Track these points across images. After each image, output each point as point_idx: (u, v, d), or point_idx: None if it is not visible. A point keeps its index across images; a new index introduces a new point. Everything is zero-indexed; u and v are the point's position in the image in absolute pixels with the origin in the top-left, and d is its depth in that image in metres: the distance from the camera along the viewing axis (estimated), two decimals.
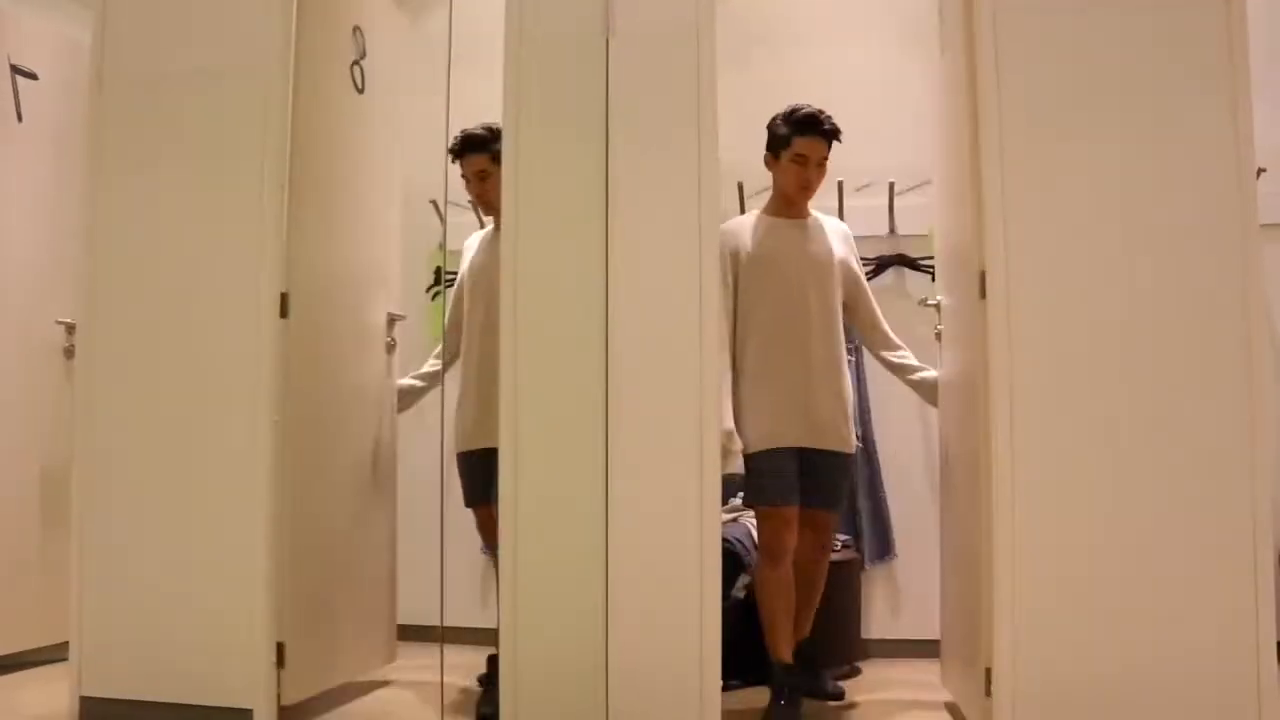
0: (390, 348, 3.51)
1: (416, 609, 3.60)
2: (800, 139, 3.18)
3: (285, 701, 2.93)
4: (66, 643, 3.05)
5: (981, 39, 2.69)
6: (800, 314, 3.15)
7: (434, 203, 4.14)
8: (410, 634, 3.61)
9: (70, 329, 3.71)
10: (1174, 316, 2.59)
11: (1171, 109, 2.63)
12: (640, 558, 2.74)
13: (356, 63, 3.33)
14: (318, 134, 3.15)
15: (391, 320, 3.52)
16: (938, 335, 3.24)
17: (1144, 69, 2.65)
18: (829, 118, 3.19)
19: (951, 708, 3.15)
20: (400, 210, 3.63)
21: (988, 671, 2.61)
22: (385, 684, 3.50)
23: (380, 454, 3.45)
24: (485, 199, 3.37)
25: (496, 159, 3.14)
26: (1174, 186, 2.61)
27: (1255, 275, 2.57)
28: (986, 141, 2.67)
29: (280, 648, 2.91)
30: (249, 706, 2.87)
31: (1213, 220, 2.59)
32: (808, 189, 3.23)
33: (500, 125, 2.95)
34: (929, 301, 3.34)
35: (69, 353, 3.72)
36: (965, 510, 2.93)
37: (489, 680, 3.17)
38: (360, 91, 3.35)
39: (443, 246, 4.18)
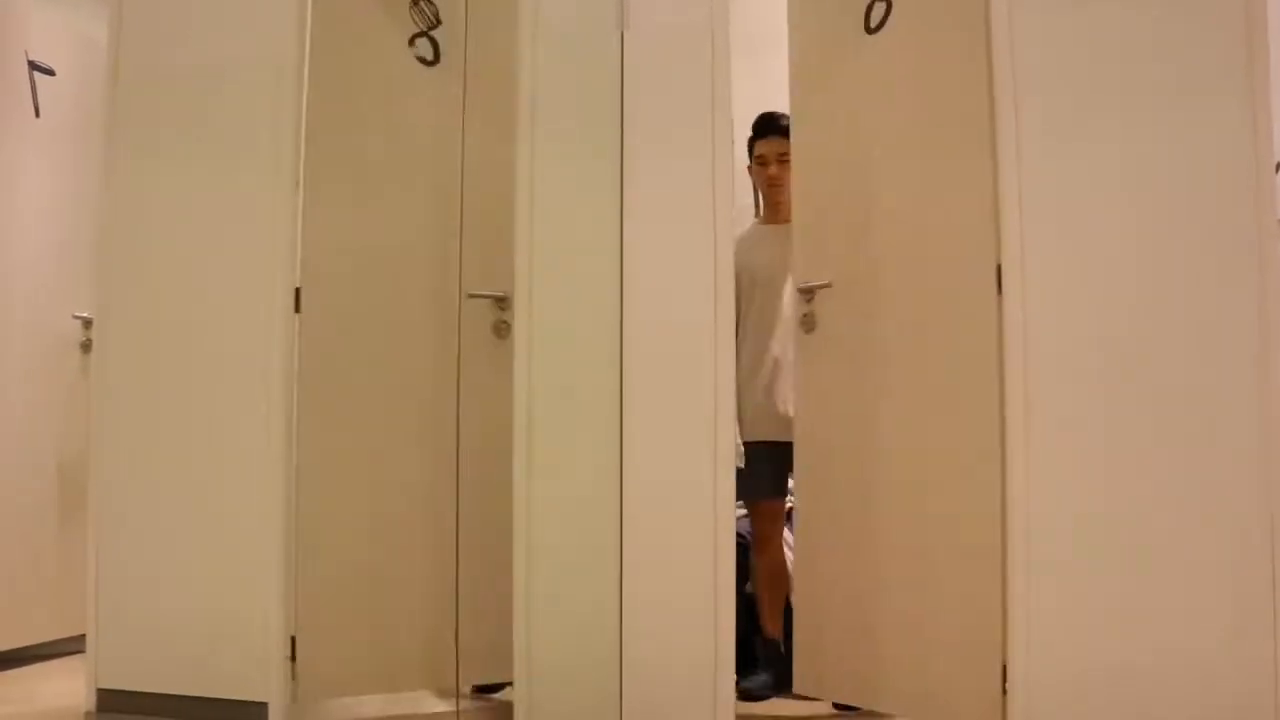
0: (501, 330, 3.21)
1: None
2: (757, 141, 3.55)
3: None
4: (83, 635, 3.06)
5: (997, 35, 2.68)
6: (770, 317, 3.45)
7: None
8: None
9: (87, 323, 3.74)
10: (1189, 312, 2.57)
11: (1189, 105, 2.61)
12: (654, 550, 2.75)
13: (423, 34, 3.23)
14: (351, 121, 3.11)
15: (501, 301, 3.20)
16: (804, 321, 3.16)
17: (1160, 64, 2.62)
18: (781, 115, 3.38)
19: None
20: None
21: (1003, 668, 2.61)
22: None
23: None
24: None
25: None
26: (1190, 182, 2.59)
27: (1272, 270, 2.54)
28: (1003, 137, 2.65)
29: (293, 642, 2.93)
30: (264, 700, 2.89)
31: (1229, 215, 2.56)
32: (776, 186, 3.52)
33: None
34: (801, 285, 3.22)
35: (86, 347, 3.76)
36: (832, 501, 3.04)
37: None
38: (432, 63, 3.24)
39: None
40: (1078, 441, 2.58)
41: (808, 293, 3.14)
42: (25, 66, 3.66)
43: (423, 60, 3.25)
